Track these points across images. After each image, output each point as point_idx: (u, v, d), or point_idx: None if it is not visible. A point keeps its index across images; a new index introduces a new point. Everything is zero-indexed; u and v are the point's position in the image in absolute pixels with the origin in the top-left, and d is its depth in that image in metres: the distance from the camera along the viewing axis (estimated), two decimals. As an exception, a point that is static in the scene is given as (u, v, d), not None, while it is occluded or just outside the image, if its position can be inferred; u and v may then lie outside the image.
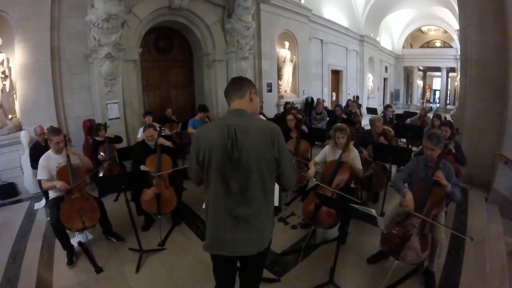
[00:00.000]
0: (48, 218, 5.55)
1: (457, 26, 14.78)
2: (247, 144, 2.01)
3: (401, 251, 3.18)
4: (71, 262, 4.01)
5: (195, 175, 2.23)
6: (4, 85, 7.31)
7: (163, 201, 4.54)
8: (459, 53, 12.37)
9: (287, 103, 10.90)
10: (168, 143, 4.97)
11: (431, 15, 23.56)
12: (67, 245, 4.08)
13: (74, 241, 4.36)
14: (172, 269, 3.82)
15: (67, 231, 4.03)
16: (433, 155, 3.58)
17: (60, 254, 4.24)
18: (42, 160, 4.20)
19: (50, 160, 4.23)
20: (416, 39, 31.22)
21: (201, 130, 2.18)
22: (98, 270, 3.83)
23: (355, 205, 3.02)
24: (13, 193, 7.30)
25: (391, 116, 9.23)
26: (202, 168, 2.11)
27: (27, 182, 7.22)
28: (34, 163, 5.93)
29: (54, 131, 4.26)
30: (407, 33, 28.16)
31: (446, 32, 26.63)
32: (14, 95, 7.59)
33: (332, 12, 16.09)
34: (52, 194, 4.28)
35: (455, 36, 21.03)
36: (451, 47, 27.48)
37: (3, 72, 7.27)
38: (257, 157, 2.02)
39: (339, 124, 4.71)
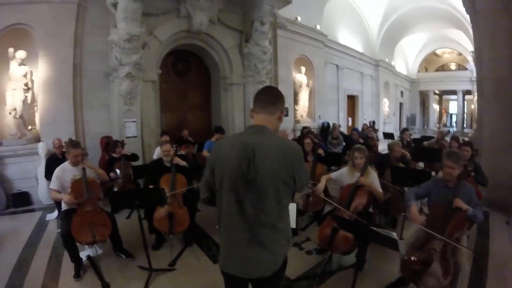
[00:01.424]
0: (59, 230, 5.56)
1: (471, 48, 14.90)
2: (264, 165, 1.89)
3: (421, 277, 3.05)
4: (78, 275, 3.97)
5: (207, 191, 2.15)
6: (26, 96, 7.56)
7: (176, 220, 4.46)
8: (474, 75, 12.29)
9: (304, 127, 10.87)
10: (183, 163, 4.96)
11: (445, 37, 23.73)
12: (75, 258, 4.05)
13: (83, 254, 4.30)
14: None
15: (77, 244, 4.02)
16: (453, 174, 3.47)
17: (67, 266, 4.22)
18: (57, 171, 4.25)
19: (66, 171, 4.27)
20: (431, 62, 31.28)
21: (219, 145, 2.12)
22: (105, 285, 3.75)
23: (375, 228, 2.92)
24: (26, 202, 7.46)
25: (408, 140, 9.10)
26: (216, 185, 2.04)
27: (41, 192, 7.35)
28: (49, 175, 5.99)
29: (73, 144, 4.31)
30: (422, 56, 28.33)
31: (460, 54, 26.80)
32: (35, 107, 7.86)
33: (347, 37, 16.26)
34: (64, 206, 4.29)
35: (470, 58, 21.07)
36: (466, 69, 27.59)
37: (26, 84, 7.52)
38: (273, 178, 1.91)
39: (357, 145, 4.65)
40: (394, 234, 2.78)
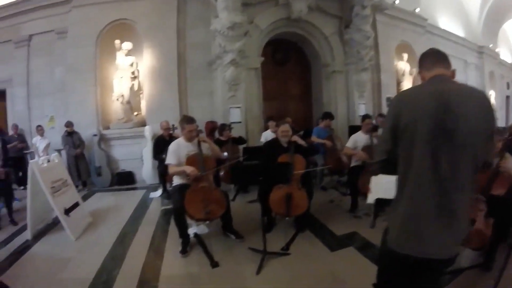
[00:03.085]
0: (163, 207, 5.84)
1: None
2: (463, 113, 1.59)
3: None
4: (184, 251, 3.92)
5: (385, 152, 1.81)
6: (132, 84, 8.15)
7: (294, 202, 4.20)
8: None
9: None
10: (302, 142, 4.65)
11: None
12: (184, 233, 4.00)
13: (190, 231, 4.25)
14: (297, 277, 3.37)
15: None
16: None
17: (172, 243, 4.22)
18: (173, 146, 4.21)
19: (181, 147, 4.20)
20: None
21: (403, 94, 1.87)
22: (214, 264, 3.63)
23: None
24: (130, 181, 8.07)
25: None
26: (402, 140, 1.71)
27: (145, 172, 7.85)
28: (157, 155, 6.27)
29: (188, 119, 4.23)
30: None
31: None
32: (141, 95, 8.41)
33: (446, 22, 14.90)
34: (176, 181, 4.24)
35: None
36: None
37: (133, 73, 8.12)
38: (474, 130, 1.59)
39: None
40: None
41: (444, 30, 14.35)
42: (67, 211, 4.74)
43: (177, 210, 3.89)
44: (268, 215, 4.50)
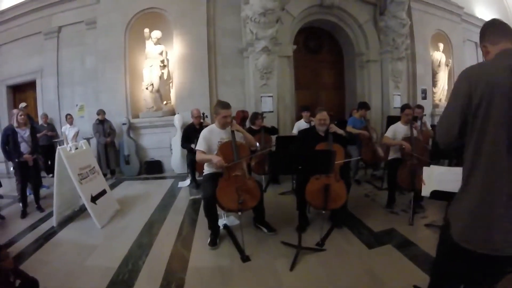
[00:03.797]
0: (192, 197, 5.76)
1: None
2: None
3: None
4: (214, 243, 3.75)
5: (451, 134, 1.62)
6: (162, 73, 8.08)
7: (332, 194, 3.91)
8: None
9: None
10: (341, 131, 4.36)
11: None
12: (213, 224, 3.84)
13: (220, 223, 4.10)
14: (333, 275, 3.12)
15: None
16: None
17: (201, 234, 4.08)
18: (205, 132, 4.02)
19: (214, 133, 4.00)
20: None
21: (473, 69, 1.60)
22: (245, 258, 3.43)
23: None
24: (158, 170, 8.05)
25: None
26: (474, 118, 1.51)
27: (174, 162, 7.84)
28: (185, 143, 6.19)
29: (223, 104, 3.99)
30: None
31: None
32: (170, 83, 8.33)
33: (483, 10, 14.09)
34: (208, 170, 4.06)
35: None
36: None
37: (162, 62, 8.04)
38: None
39: None
40: None
41: (481, 20, 13.57)
42: (94, 199, 4.69)
43: (208, 200, 3.71)
44: (303, 210, 4.22)
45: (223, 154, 3.82)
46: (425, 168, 3.33)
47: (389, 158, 5.18)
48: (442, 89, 11.54)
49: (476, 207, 1.52)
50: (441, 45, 11.32)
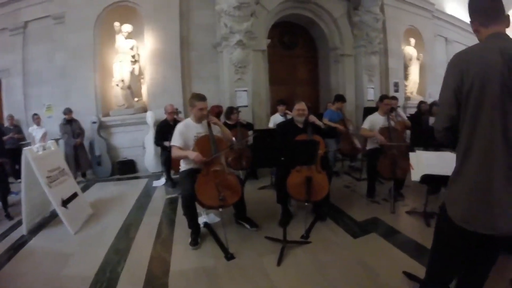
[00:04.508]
0: (168, 196, 5.58)
1: None
2: None
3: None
4: (195, 243, 3.57)
5: (448, 119, 1.63)
6: (133, 68, 7.81)
7: (315, 186, 3.84)
8: None
9: (421, 102, 9.78)
10: (319, 123, 4.33)
11: None
12: (194, 223, 3.66)
13: (199, 221, 3.93)
14: (323, 267, 3.04)
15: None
16: None
17: (181, 234, 3.91)
18: (180, 126, 3.85)
19: (189, 128, 3.83)
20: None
21: (465, 52, 1.60)
22: (230, 256, 3.30)
23: None
24: (132, 170, 7.75)
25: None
26: (467, 101, 1.52)
27: (147, 160, 7.58)
28: (159, 140, 6.04)
29: (199, 96, 3.83)
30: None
31: None
32: (142, 80, 8.08)
33: (454, 8, 14.45)
34: (184, 166, 3.88)
35: None
36: None
37: (133, 57, 7.77)
38: None
39: None
40: None
41: (451, 16, 13.97)
42: (65, 203, 4.36)
43: (187, 198, 3.52)
44: (284, 204, 4.17)
45: (201, 148, 3.66)
46: (411, 154, 3.35)
47: (367, 148, 5.22)
48: (413, 82, 11.78)
49: (474, 189, 1.52)
50: (412, 40, 11.51)
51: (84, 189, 6.26)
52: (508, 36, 1.56)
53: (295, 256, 3.29)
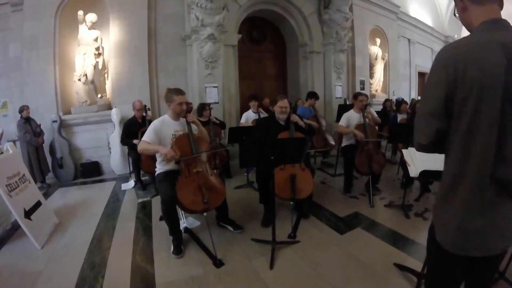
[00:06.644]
0: (140, 200, 5.18)
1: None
2: None
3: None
4: (179, 251, 3.26)
5: (433, 133, 1.33)
6: (97, 62, 7.29)
7: (300, 183, 3.72)
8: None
9: (386, 100, 9.99)
10: (301, 123, 4.14)
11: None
12: (176, 230, 3.36)
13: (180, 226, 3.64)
14: (317, 265, 2.95)
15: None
16: None
17: (160, 242, 3.57)
18: (155, 123, 3.54)
19: (166, 125, 3.55)
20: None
21: (458, 47, 1.27)
22: (218, 263, 3.03)
23: None
24: (97, 172, 7.16)
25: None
26: (461, 112, 1.24)
27: (113, 162, 7.07)
28: (126, 139, 5.63)
29: (177, 90, 3.57)
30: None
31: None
32: (105, 75, 7.57)
33: (417, 10, 15.06)
34: (160, 168, 3.59)
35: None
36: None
37: (97, 49, 7.25)
38: None
39: None
40: None
41: (414, 18, 14.47)
42: (28, 214, 3.82)
43: (167, 202, 3.22)
44: (266, 203, 3.99)
45: (180, 148, 3.38)
46: (404, 150, 3.41)
47: (343, 145, 5.22)
48: (378, 80, 12.12)
49: (463, 208, 1.30)
50: (378, 40, 11.84)
51: (46, 195, 5.64)
52: (509, 23, 1.25)
53: (285, 256, 3.16)
